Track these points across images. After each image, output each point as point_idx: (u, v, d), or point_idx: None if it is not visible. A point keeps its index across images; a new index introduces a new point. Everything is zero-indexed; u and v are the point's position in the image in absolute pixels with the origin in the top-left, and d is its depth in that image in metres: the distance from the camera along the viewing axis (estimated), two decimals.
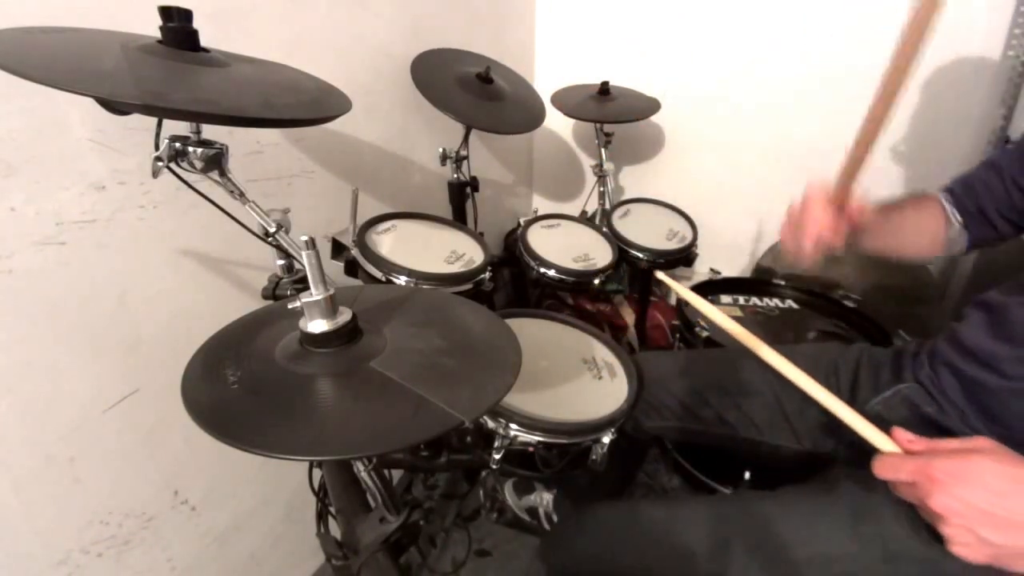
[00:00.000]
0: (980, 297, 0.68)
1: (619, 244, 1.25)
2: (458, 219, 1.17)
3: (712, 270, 1.68)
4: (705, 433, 0.83)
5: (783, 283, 1.34)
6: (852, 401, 0.75)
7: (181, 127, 0.55)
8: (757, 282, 1.36)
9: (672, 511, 0.66)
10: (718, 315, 0.61)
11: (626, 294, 1.68)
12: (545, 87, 1.39)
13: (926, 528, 0.50)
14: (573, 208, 1.74)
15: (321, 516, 0.84)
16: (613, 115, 1.38)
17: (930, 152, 1.37)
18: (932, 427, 0.66)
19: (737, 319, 1.21)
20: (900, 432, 0.51)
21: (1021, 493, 0.42)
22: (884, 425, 0.70)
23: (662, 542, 0.63)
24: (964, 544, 0.44)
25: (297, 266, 0.69)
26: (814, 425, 0.77)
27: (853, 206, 0.67)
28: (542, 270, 1.08)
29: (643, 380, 0.83)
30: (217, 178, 0.58)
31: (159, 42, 0.49)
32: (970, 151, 1.32)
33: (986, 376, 0.62)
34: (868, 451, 0.50)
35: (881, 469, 0.48)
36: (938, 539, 0.45)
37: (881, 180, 1.43)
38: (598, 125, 1.46)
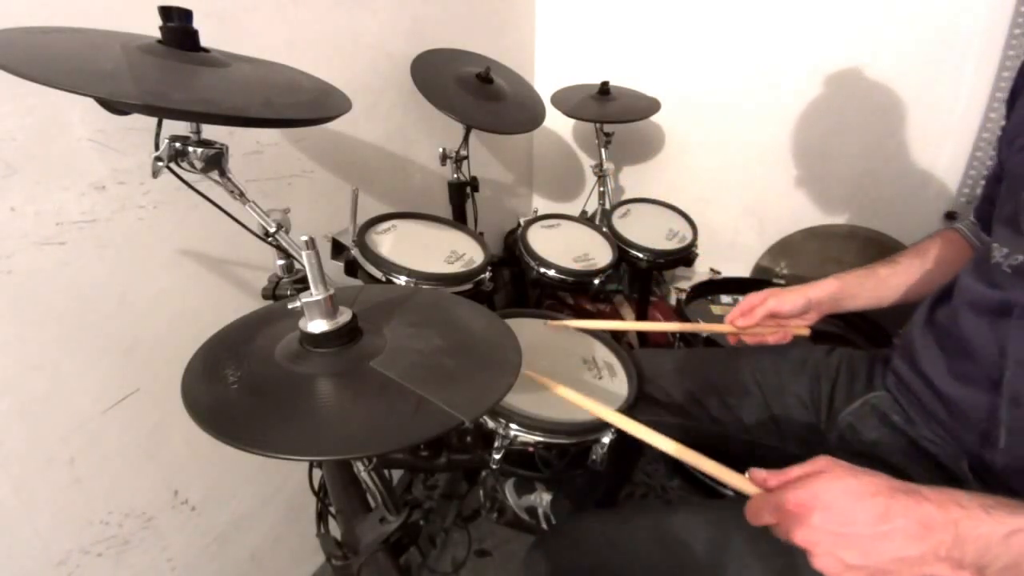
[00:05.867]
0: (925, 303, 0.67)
1: (619, 244, 1.24)
2: (458, 219, 1.17)
3: (712, 270, 1.69)
4: (699, 432, 0.83)
5: (783, 283, 1.35)
6: (829, 411, 0.74)
7: (181, 127, 0.54)
8: (757, 282, 1.36)
9: (660, 519, 0.65)
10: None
11: (626, 294, 1.68)
12: (545, 87, 1.39)
13: None
14: (573, 208, 1.74)
15: (321, 516, 0.85)
16: (613, 115, 1.38)
17: (932, 153, 1.37)
18: (901, 436, 0.65)
19: None
20: (755, 472, 0.49)
21: (861, 508, 0.42)
22: (857, 436, 0.70)
23: (651, 550, 0.63)
24: (836, 573, 0.42)
25: (297, 266, 0.69)
26: (799, 429, 0.76)
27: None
28: (542, 270, 1.08)
29: (642, 378, 0.83)
30: (217, 178, 0.57)
31: (159, 42, 0.49)
32: (971, 152, 1.32)
33: (923, 387, 0.61)
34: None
35: (750, 516, 0.47)
36: None
37: (883, 182, 1.43)
38: (598, 125, 1.46)
